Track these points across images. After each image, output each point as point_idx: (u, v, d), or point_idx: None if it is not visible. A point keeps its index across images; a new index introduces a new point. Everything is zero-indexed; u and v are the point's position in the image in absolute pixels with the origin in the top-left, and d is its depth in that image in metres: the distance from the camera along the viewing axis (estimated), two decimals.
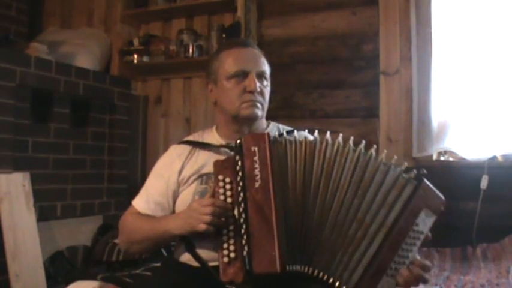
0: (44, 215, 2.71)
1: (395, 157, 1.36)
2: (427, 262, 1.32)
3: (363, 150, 1.34)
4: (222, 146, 1.55)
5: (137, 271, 2.37)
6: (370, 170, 1.32)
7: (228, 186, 1.36)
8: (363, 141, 1.36)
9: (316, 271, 1.29)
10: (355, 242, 1.29)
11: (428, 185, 1.32)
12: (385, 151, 1.37)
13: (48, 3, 3.79)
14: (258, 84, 1.51)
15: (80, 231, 2.95)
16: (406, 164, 1.34)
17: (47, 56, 2.86)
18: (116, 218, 3.13)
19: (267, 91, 1.57)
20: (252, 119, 1.55)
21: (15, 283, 2.35)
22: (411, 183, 1.31)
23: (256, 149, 1.33)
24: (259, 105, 1.53)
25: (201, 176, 1.53)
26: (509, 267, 1.95)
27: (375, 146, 1.36)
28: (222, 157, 1.46)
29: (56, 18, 3.73)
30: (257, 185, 1.31)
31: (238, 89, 1.52)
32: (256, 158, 1.33)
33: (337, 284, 1.28)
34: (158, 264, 2.44)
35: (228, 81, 1.54)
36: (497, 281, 1.83)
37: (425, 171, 1.32)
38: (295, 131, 1.59)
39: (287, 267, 1.27)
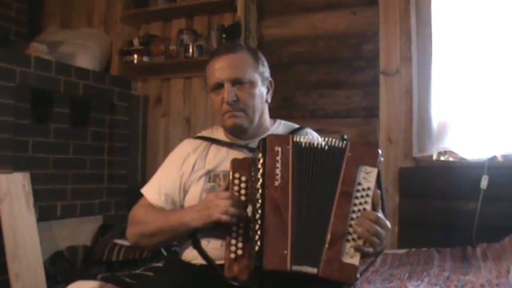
0: (44, 215, 2.71)
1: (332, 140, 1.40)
2: (378, 214, 1.33)
3: (321, 143, 1.38)
4: (240, 145, 1.56)
5: (137, 271, 2.37)
6: (325, 161, 1.37)
7: (243, 185, 1.37)
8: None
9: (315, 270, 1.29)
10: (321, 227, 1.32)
11: (354, 145, 1.37)
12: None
13: (48, 3, 3.79)
14: (232, 93, 1.51)
15: (80, 231, 2.95)
16: (332, 139, 1.39)
17: (47, 56, 2.86)
18: (116, 218, 3.16)
19: (250, 95, 1.54)
20: (235, 129, 1.56)
21: (15, 283, 2.35)
22: (338, 151, 1.36)
23: (279, 149, 1.36)
24: (238, 113, 1.53)
25: (208, 173, 1.54)
26: (509, 267, 1.95)
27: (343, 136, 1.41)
28: (240, 155, 1.48)
29: (56, 18, 3.73)
30: (276, 183, 1.33)
31: (219, 101, 1.55)
32: (278, 157, 1.35)
33: (314, 271, 1.28)
34: (158, 264, 2.45)
35: (211, 93, 1.58)
36: (497, 281, 1.82)
37: (345, 136, 1.40)
38: (303, 129, 1.64)
39: (294, 267, 1.28)
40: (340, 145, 1.37)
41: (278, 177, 1.33)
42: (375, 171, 1.35)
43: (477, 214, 2.42)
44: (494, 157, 2.48)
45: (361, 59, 2.83)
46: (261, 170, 1.34)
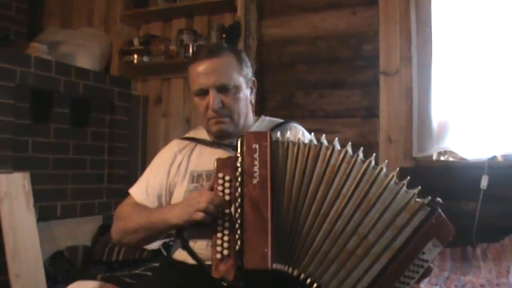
0: (44, 215, 2.71)
1: (408, 178, 1.33)
2: None
3: (373, 163, 1.32)
4: (224, 144, 1.56)
5: (137, 271, 2.37)
6: (379, 185, 1.29)
7: (227, 184, 1.36)
8: (374, 154, 1.33)
9: (303, 275, 1.26)
10: (354, 258, 1.26)
11: (441, 214, 1.29)
12: (386, 161, 1.34)
13: (48, 3, 3.79)
14: (217, 100, 1.50)
15: (80, 231, 2.95)
16: (419, 187, 1.31)
17: (47, 56, 2.86)
18: None
19: (236, 100, 1.54)
20: (221, 134, 1.56)
21: (15, 283, 2.35)
22: (424, 209, 1.29)
23: (257, 146, 1.34)
24: (224, 119, 1.53)
25: (191, 173, 1.54)
26: (509, 267, 1.96)
27: (386, 161, 1.33)
28: (224, 154, 1.47)
29: (56, 18, 3.73)
30: (255, 181, 1.30)
31: (203, 106, 1.54)
32: (256, 155, 1.33)
33: None
34: (158, 264, 2.45)
35: (195, 98, 1.57)
36: (497, 281, 1.83)
37: (440, 200, 1.30)
38: (287, 123, 1.62)
39: (274, 265, 1.25)
40: (396, 184, 1.29)
41: (256, 174, 1.30)
42: (440, 248, 1.29)
43: (477, 214, 2.41)
44: (494, 157, 2.48)
45: (361, 59, 2.83)
46: (239, 169, 1.33)
